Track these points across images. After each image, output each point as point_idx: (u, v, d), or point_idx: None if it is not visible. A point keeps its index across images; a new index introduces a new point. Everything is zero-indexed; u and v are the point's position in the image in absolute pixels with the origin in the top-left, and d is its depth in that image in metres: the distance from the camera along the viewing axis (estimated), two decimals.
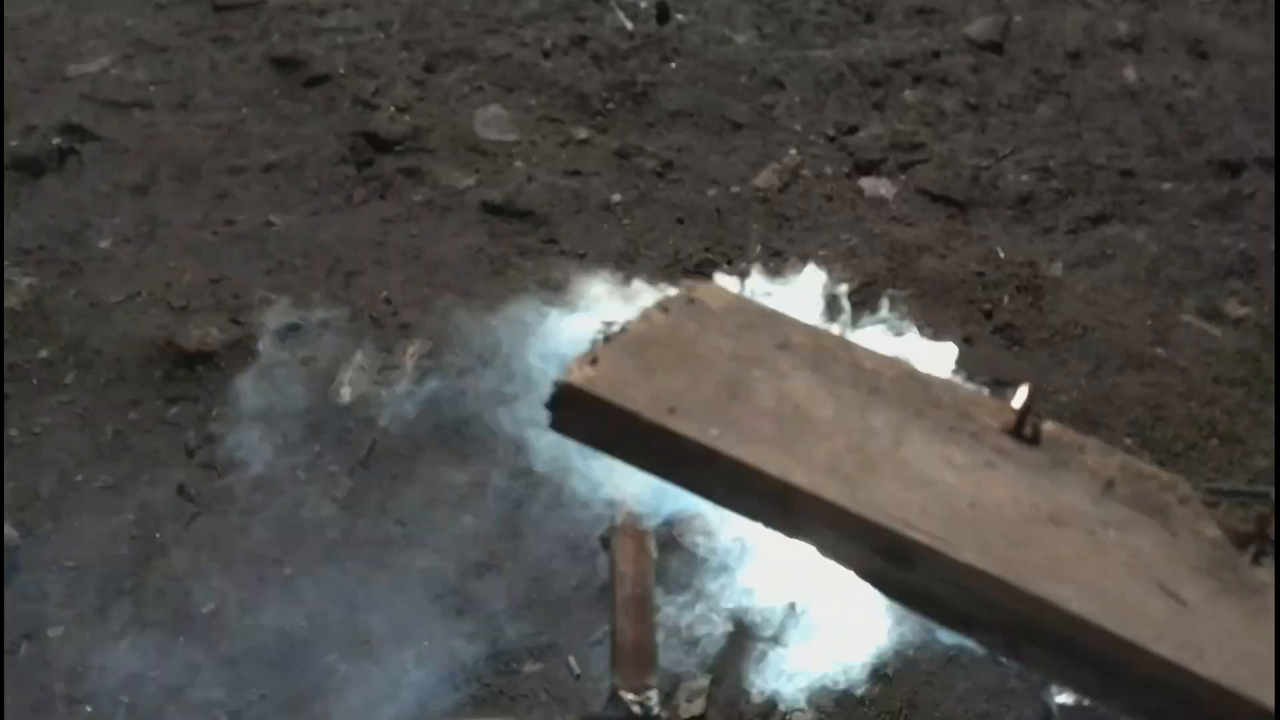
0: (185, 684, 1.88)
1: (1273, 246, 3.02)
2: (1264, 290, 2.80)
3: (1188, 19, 3.40)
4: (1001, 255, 2.80)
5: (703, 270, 2.61)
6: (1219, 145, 3.14)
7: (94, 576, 2.00)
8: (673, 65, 3.04)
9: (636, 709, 0.65)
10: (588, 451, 1.11)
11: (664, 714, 1.17)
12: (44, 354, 2.33)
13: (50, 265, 2.50)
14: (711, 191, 2.77)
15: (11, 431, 2.21)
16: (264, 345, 2.35)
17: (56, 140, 2.75)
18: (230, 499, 2.13)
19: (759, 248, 2.68)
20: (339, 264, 2.55)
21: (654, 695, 0.69)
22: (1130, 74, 3.28)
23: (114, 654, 1.91)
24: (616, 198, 2.72)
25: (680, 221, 2.69)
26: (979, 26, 3.27)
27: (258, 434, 2.22)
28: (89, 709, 1.84)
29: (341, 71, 2.97)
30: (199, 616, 1.97)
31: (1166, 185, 3.06)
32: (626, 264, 2.59)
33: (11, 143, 2.75)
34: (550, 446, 2.21)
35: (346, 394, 2.28)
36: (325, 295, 2.48)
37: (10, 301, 2.42)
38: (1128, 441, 2.46)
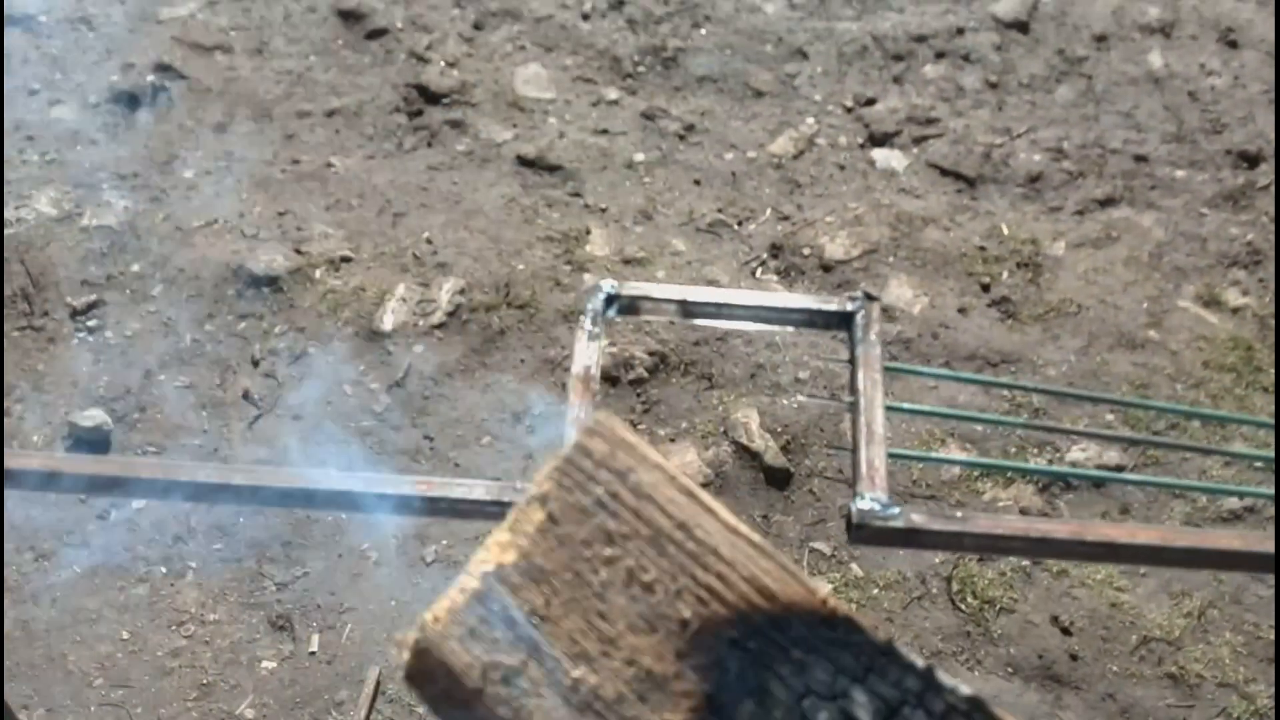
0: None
1: None
2: (1266, 282, 3.04)
3: (1221, 6, 3.58)
4: (1005, 231, 3.09)
5: (714, 230, 2.97)
6: (1239, 135, 3.35)
7: (171, 462, 2.49)
8: (703, 31, 3.36)
9: None
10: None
11: None
12: (136, 268, 2.81)
13: (143, 190, 2.97)
14: (729, 155, 3.11)
15: (107, 333, 2.70)
16: (320, 273, 2.80)
17: (150, 78, 3.20)
18: (286, 405, 2.59)
19: (768, 211, 3.03)
20: (388, 205, 2.97)
21: None
22: (1156, 59, 3.49)
23: (181, 519, 2.40)
24: (640, 157, 3.09)
25: (697, 183, 3.05)
26: (1006, 5, 3.50)
27: (312, 350, 2.67)
28: (162, 571, 2.34)
29: (399, 25, 3.36)
30: None
31: (1180, 172, 3.29)
32: (644, 220, 2.96)
33: (112, 78, 3.22)
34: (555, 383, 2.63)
35: (389, 322, 2.72)
36: (375, 233, 2.91)
37: (108, 220, 2.90)
38: (1109, 417, 2.76)
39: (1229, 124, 3.35)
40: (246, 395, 2.60)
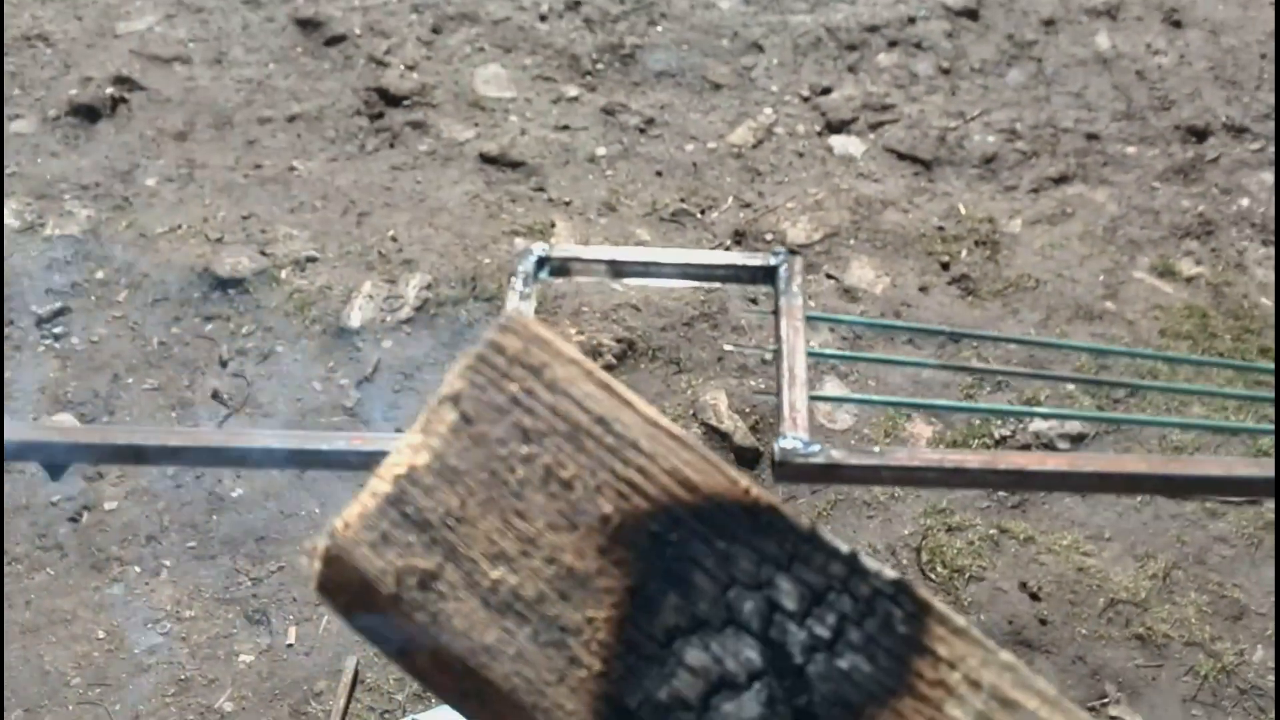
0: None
1: (1232, 210, 3.36)
2: (1219, 251, 3.15)
3: None
4: (963, 211, 3.18)
5: (677, 219, 3.04)
6: (1187, 111, 3.46)
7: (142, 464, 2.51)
8: (659, 28, 3.45)
9: None
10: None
11: None
12: (100, 275, 2.83)
13: (105, 199, 3.00)
14: (689, 147, 3.19)
15: (73, 340, 2.72)
16: (286, 274, 2.83)
17: (109, 90, 3.23)
18: (256, 403, 2.62)
19: (730, 199, 3.10)
20: (352, 205, 3.01)
21: None
22: (1103, 41, 3.61)
23: (154, 519, 2.42)
24: (601, 151, 3.15)
25: (659, 174, 3.12)
26: None
27: (280, 349, 2.70)
28: (137, 570, 2.35)
29: (358, 32, 3.42)
30: (228, 499, 2.47)
31: (1131, 149, 3.40)
32: (608, 211, 3.03)
33: (71, 91, 3.25)
34: None
35: (356, 318, 2.76)
36: (340, 232, 2.95)
37: (71, 229, 2.93)
38: (1070, 387, 2.84)
39: (1176, 100, 3.46)
40: (216, 395, 2.62)
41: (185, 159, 3.11)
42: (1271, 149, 3.38)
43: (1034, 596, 2.39)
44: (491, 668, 0.46)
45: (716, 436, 2.58)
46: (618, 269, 1.17)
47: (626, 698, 0.44)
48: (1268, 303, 3.00)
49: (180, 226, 2.94)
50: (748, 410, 2.63)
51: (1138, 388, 2.76)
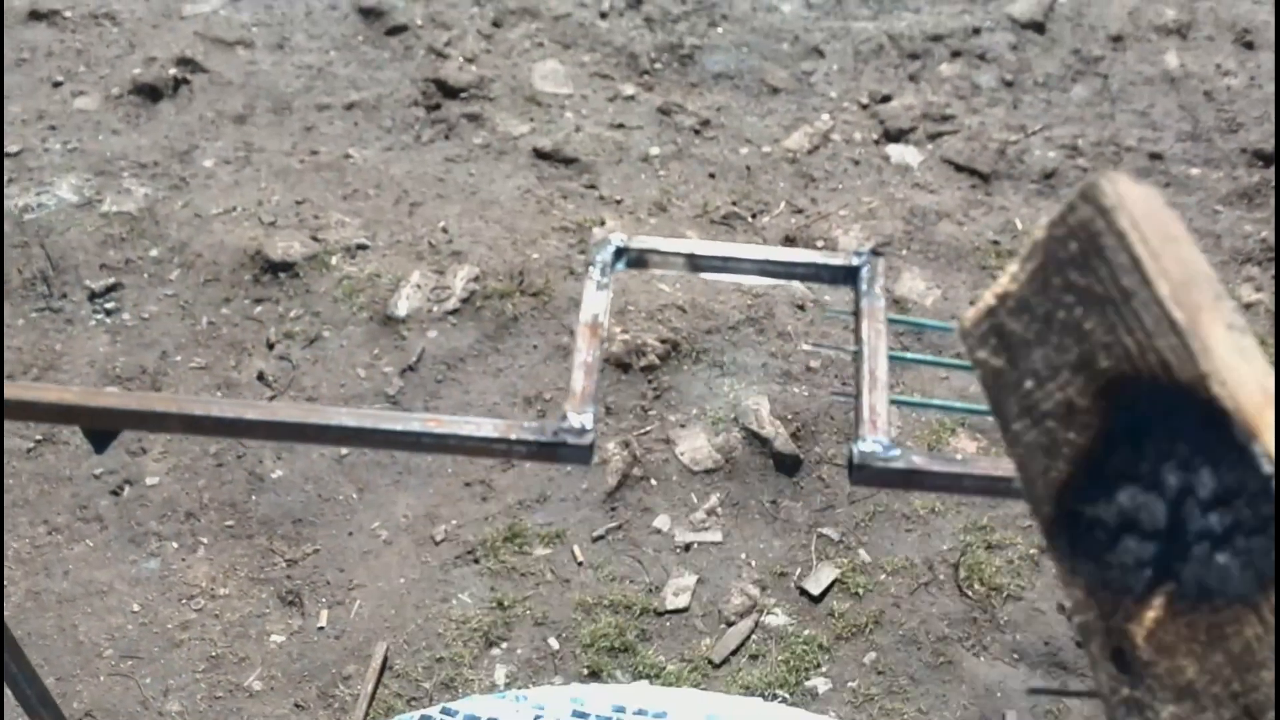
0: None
1: None
2: None
3: (1238, 8, 3.62)
4: (1020, 226, 3.12)
5: (727, 222, 3.02)
6: (1255, 135, 3.38)
7: (185, 440, 2.54)
8: (720, 30, 3.43)
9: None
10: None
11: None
12: (154, 253, 2.87)
13: (162, 179, 3.04)
14: (744, 150, 3.16)
15: (125, 316, 2.76)
16: (336, 260, 2.85)
17: (172, 71, 3.28)
18: (301, 387, 2.64)
19: (782, 204, 3.07)
20: (405, 195, 3.03)
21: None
22: (1172, 59, 3.53)
23: (194, 496, 2.45)
24: (655, 151, 3.14)
25: (712, 176, 3.10)
26: (1022, 6, 3.55)
27: (327, 334, 2.72)
28: (174, 546, 2.38)
29: (419, 22, 3.44)
30: (268, 480, 2.49)
31: (1195, 170, 3.33)
32: (659, 211, 3.01)
33: (134, 70, 3.30)
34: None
35: (403, 307, 2.77)
36: (392, 221, 2.96)
37: (128, 207, 2.97)
38: None
39: (1244, 123, 3.38)
40: (261, 377, 2.64)
41: (243, 142, 3.15)
42: None
43: (1072, 619, 2.33)
44: (1011, 451, 0.62)
45: (757, 442, 2.55)
46: (696, 263, 1.15)
47: (1073, 502, 0.58)
48: None
49: (235, 208, 2.97)
50: (789, 417, 2.60)
51: None
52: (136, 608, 2.26)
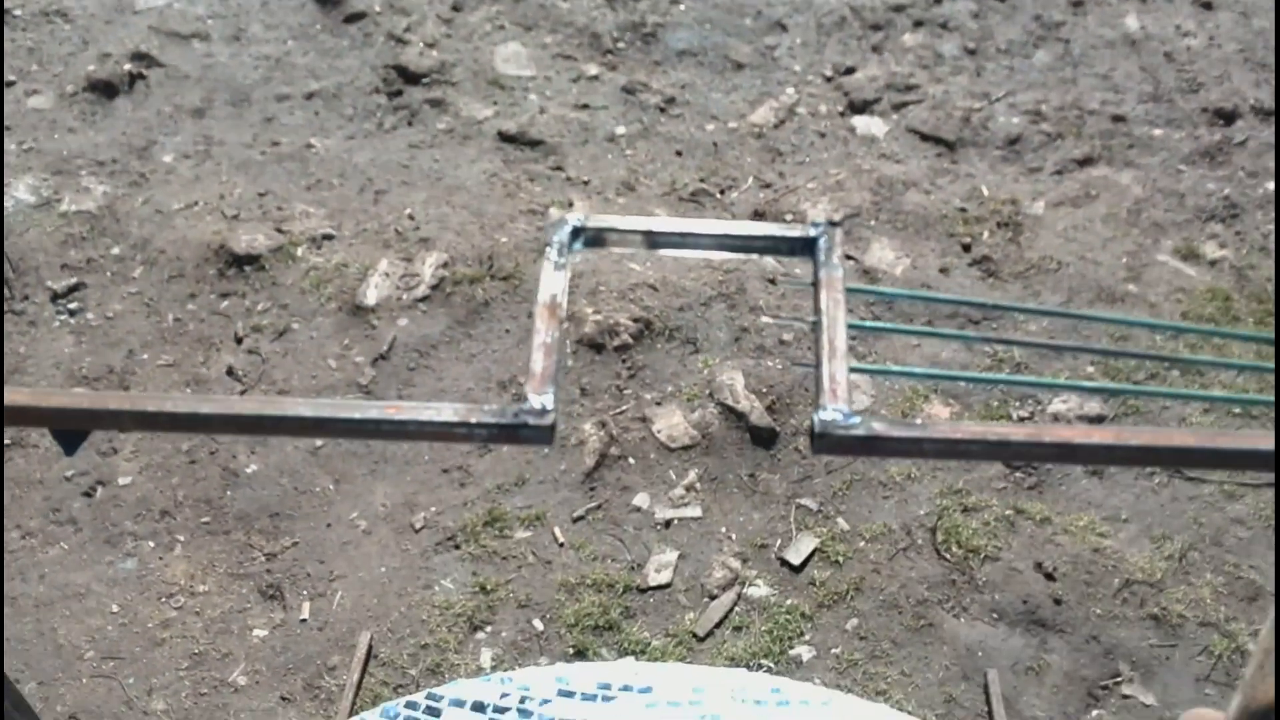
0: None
1: (1258, 193, 3.31)
2: (1243, 234, 3.10)
3: None
4: (985, 193, 3.14)
5: (696, 199, 3.02)
6: (1215, 94, 3.41)
7: (156, 438, 2.51)
8: (681, 7, 3.42)
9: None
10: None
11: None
12: (116, 251, 2.83)
13: (121, 176, 3.00)
14: (710, 126, 3.16)
15: (89, 315, 2.72)
16: (303, 251, 2.83)
17: (127, 66, 3.24)
18: (271, 380, 2.62)
19: (750, 179, 3.07)
20: (370, 183, 3.01)
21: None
22: (1132, 22, 3.56)
23: (168, 494, 2.43)
24: (621, 130, 3.13)
25: (679, 154, 3.09)
26: None
27: (296, 326, 2.70)
28: (150, 545, 2.36)
29: (377, 9, 3.41)
30: (242, 475, 2.47)
31: (1158, 131, 3.36)
32: (627, 191, 3.01)
33: (89, 67, 3.25)
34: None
35: (372, 296, 2.75)
36: (357, 210, 2.94)
37: (87, 205, 2.93)
38: (1090, 369, 2.81)
39: (1205, 83, 3.41)
40: (230, 371, 2.62)
41: (203, 136, 3.11)
42: None
43: (1049, 577, 2.36)
44: None
45: (733, 416, 2.56)
46: (654, 240, 1.15)
47: None
48: None
49: (197, 203, 2.94)
50: (764, 390, 2.61)
51: (1164, 360, 2.72)
52: (115, 608, 2.24)
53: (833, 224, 1.22)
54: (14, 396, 1.00)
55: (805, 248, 1.16)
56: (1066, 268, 2.97)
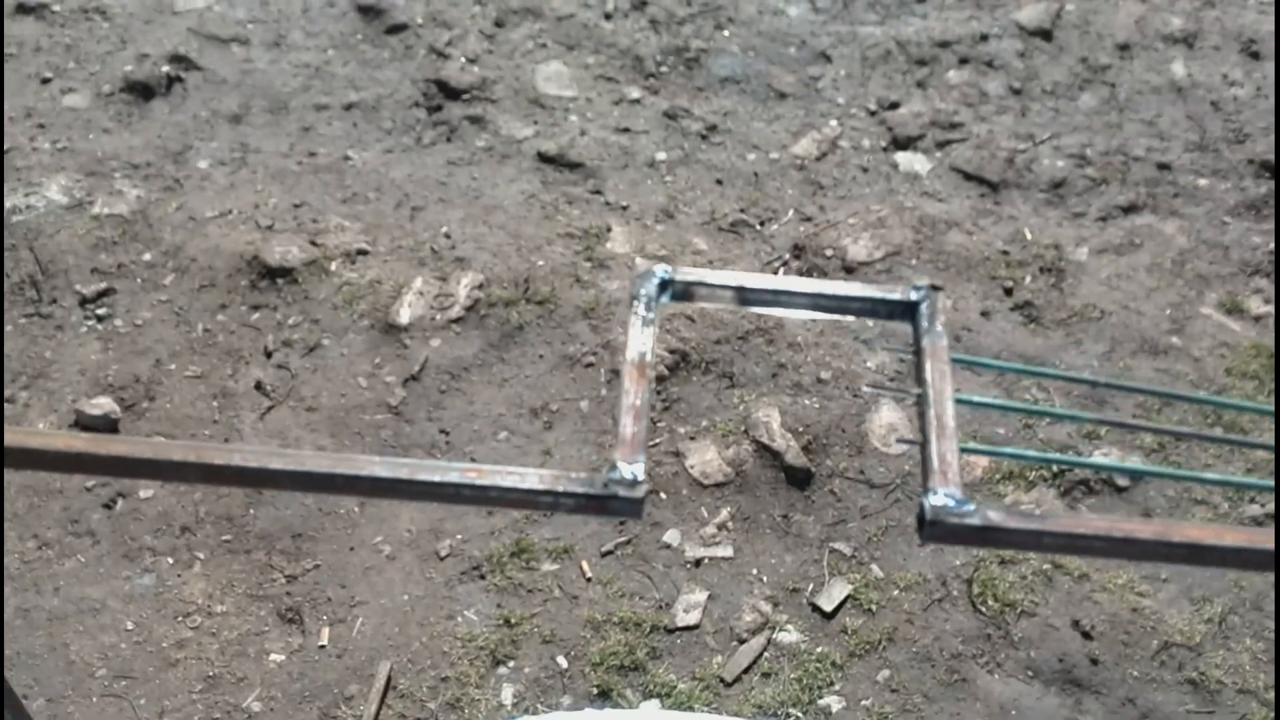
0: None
1: None
2: None
3: (1244, 18, 3.60)
4: (1029, 236, 3.09)
5: (735, 230, 2.96)
6: (1262, 145, 3.36)
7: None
8: (726, 33, 3.37)
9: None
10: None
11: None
12: (147, 257, 2.79)
13: (156, 180, 2.96)
14: (751, 156, 3.11)
15: (117, 322, 2.68)
16: (336, 265, 2.78)
17: (165, 68, 3.20)
18: (300, 396, 2.56)
19: (791, 212, 3.02)
20: (406, 199, 2.96)
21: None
22: (1179, 69, 3.51)
23: (189, 509, 2.37)
24: (662, 156, 3.08)
25: (719, 182, 3.04)
26: (1030, 12, 3.52)
27: (327, 342, 2.65)
28: (169, 561, 2.30)
29: (419, 21, 3.37)
30: (266, 492, 2.42)
31: (1203, 181, 3.30)
32: (665, 218, 2.96)
33: (126, 68, 3.22)
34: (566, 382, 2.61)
35: (405, 315, 2.70)
36: (393, 226, 2.89)
37: (119, 209, 2.89)
38: (1132, 420, 2.75)
39: (1251, 134, 3.36)
40: (259, 386, 2.57)
41: (239, 143, 3.07)
42: None
43: (1086, 635, 2.30)
44: None
45: (767, 455, 2.50)
46: (745, 297, 1.09)
47: None
48: None
49: (231, 211, 2.89)
50: (800, 429, 2.55)
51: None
52: (130, 625, 2.18)
53: (935, 288, 1.16)
54: (54, 440, 0.94)
55: (905, 312, 1.10)
56: (1109, 317, 2.91)
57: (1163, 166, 3.27)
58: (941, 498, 0.89)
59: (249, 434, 2.50)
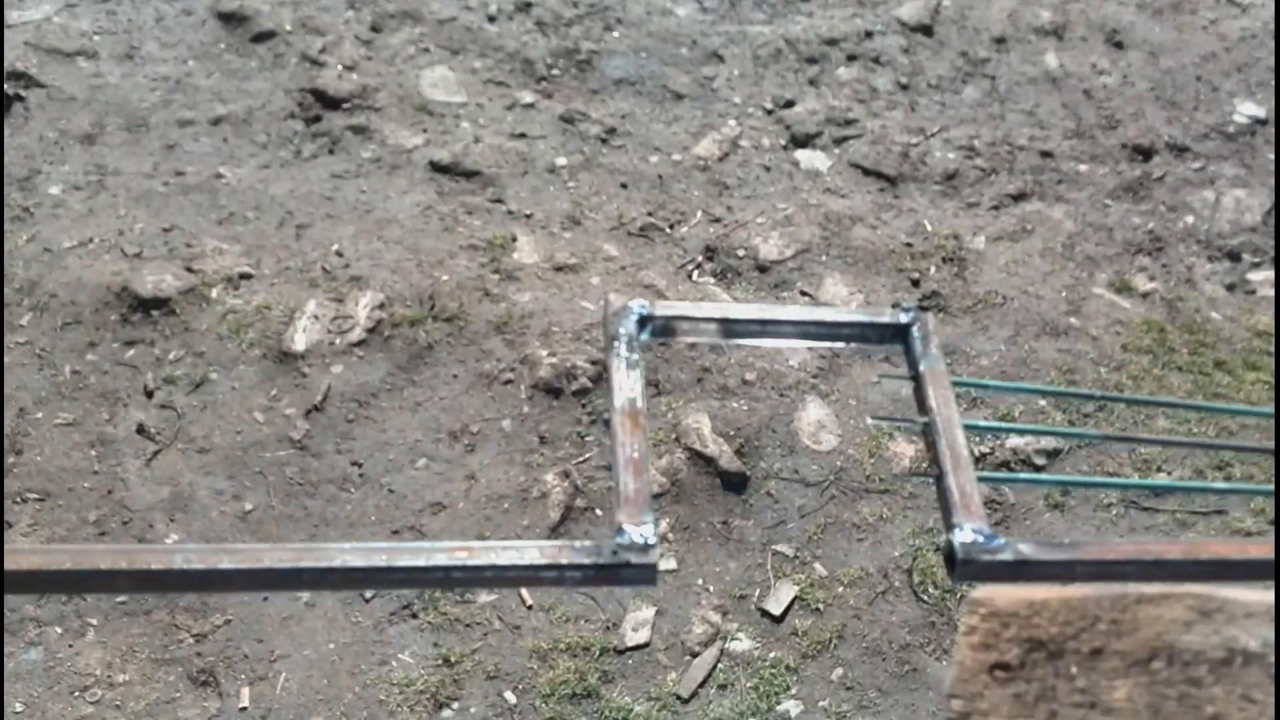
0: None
1: (1179, 226, 3.45)
2: (1169, 267, 3.21)
3: (1106, 10, 3.81)
4: (929, 228, 3.16)
5: (645, 234, 2.92)
6: (1132, 130, 3.55)
7: (57, 509, 2.23)
8: (615, 34, 3.34)
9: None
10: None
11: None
12: None
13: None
14: (654, 158, 3.08)
15: None
16: (218, 292, 2.59)
17: (4, 86, 2.92)
18: (189, 438, 2.37)
19: (699, 213, 3.00)
20: (290, 217, 2.79)
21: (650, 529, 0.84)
22: (1051, 60, 3.68)
23: None
24: (562, 161, 3.01)
25: (624, 186, 2.99)
26: (910, 9, 3.63)
27: (215, 376, 2.46)
28: (58, 631, 2.08)
29: (288, 28, 3.20)
30: (162, 546, 2.21)
31: (1083, 166, 3.46)
32: (572, 225, 2.88)
33: None
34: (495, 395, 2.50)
35: (300, 341, 2.53)
36: (277, 246, 2.72)
37: None
38: (1041, 403, 2.84)
39: (1122, 120, 3.55)
40: (141, 429, 2.36)
41: (94, 164, 2.83)
42: (1211, 168, 3.49)
43: None
44: None
45: (701, 461, 2.46)
46: (730, 328, 1.03)
47: None
48: (1218, 317, 3.07)
49: (92, 240, 2.66)
50: (731, 433, 2.52)
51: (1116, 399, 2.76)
52: (20, 707, 1.95)
53: (922, 308, 1.13)
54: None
55: (896, 336, 1.06)
56: (1011, 302, 3.01)
57: (1045, 154, 3.41)
58: (969, 533, 0.84)
59: (135, 483, 2.29)
